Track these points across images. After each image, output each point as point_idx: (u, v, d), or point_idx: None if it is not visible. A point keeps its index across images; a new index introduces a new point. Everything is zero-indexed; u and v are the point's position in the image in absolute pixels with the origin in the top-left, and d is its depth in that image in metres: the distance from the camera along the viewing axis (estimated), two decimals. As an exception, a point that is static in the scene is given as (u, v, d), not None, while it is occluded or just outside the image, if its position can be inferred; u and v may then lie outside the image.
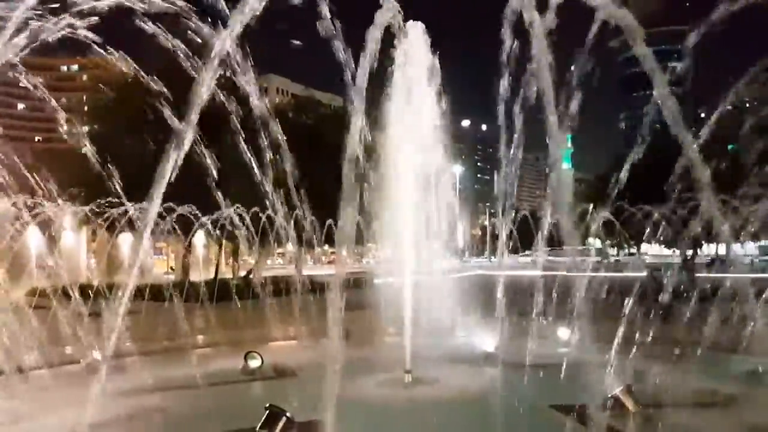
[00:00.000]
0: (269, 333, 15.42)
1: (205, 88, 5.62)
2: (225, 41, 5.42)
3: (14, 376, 9.88)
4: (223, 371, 10.39)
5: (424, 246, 12.49)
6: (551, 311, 13.93)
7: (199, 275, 39.46)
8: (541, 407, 7.53)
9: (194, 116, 4.91)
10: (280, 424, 6.14)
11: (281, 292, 24.14)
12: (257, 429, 6.31)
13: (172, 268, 59.19)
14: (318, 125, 40.41)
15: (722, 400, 8.00)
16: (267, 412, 6.38)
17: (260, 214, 16.14)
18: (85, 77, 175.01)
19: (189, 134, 4.93)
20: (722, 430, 6.60)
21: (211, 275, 36.76)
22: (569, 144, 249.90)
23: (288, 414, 6.31)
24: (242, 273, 39.76)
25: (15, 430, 7.21)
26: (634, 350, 10.54)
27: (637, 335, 12.00)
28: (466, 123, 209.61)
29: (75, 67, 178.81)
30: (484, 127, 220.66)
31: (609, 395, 7.31)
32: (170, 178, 5.49)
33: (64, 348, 12.05)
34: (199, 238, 41.15)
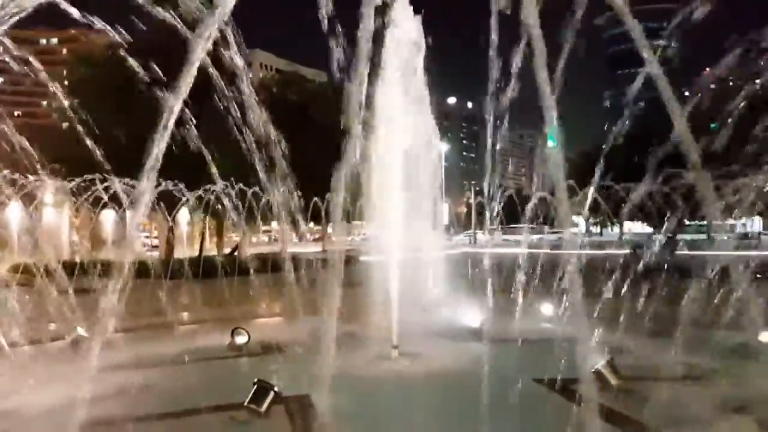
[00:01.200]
0: (255, 310, 15.48)
1: (194, 63, 5.56)
2: (217, 17, 5.34)
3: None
4: (210, 347, 10.43)
5: (410, 224, 12.54)
6: (535, 287, 14.13)
7: (184, 252, 39.35)
8: (524, 381, 7.64)
9: (184, 88, 4.84)
10: (269, 398, 6.19)
11: (267, 269, 24.17)
12: (246, 403, 6.35)
13: (154, 246, 58.90)
14: (304, 101, 40.13)
15: (708, 373, 8.19)
16: (255, 386, 6.43)
17: (246, 191, 16.07)
18: (65, 51, 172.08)
19: (177, 107, 4.87)
20: (701, 401, 6.74)
21: (196, 252, 36.62)
22: (554, 121, 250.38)
23: (276, 388, 6.36)
24: (227, 250, 39.63)
25: (4, 405, 7.19)
26: (616, 325, 10.75)
27: (618, 310, 12.22)
28: (451, 100, 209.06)
29: (54, 40, 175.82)
30: (470, 104, 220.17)
31: (591, 369, 7.43)
32: (157, 153, 5.42)
33: (48, 324, 12.00)
34: (182, 215, 40.89)
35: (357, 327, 10.88)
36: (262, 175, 10.49)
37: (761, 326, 9.70)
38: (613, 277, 13.44)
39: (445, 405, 7.06)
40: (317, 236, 72.15)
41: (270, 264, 24.38)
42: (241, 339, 9.99)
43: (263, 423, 6.19)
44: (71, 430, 6.15)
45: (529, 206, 15.88)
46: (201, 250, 36.00)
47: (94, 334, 11.17)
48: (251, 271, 19.90)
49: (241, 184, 16.03)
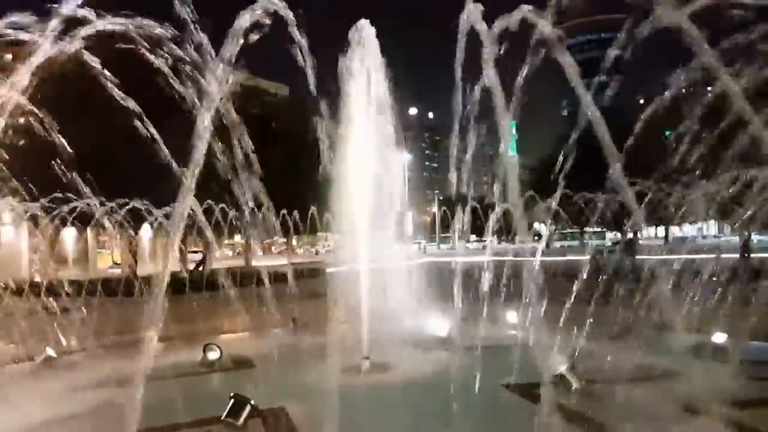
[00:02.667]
0: (225, 325, 15.50)
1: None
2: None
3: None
4: (182, 364, 10.46)
5: (375, 235, 12.79)
6: (500, 295, 14.49)
7: (146, 269, 38.79)
8: (492, 387, 7.95)
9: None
10: (245, 412, 6.35)
11: (233, 283, 24.04)
12: (223, 417, 6.50)
13: (116, 262, 57.83)
14: (265, 114, 40.10)
15: (662, 373, 8.61)
16: (232, 400, 6.58)
17: (212, 206, 16.10)
18: (9, 56, 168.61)
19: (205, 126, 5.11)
20: (656, 400, 7.13)
21: (158, 268, 36.14)
22: (513, 131, 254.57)
23: (252, 402, 6.52)
24: (191, 266, 39.24)
25: None
26: (577, 330, 11.16)
27: (580, 316, 12.65)
28: (413, 111, 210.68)
29: (9, 56, 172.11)
30: (431, 115, 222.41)
31: (554, 373, 7.79)
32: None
33: (15, 345, 11.85)
34: (144, 230, 40.31)
35: (327, 339, 11.06)
36: (231, 191, 10.60)
37: (714, 328, 10.29)
38: (573, 283, 13.89)
39: (417, 412, 7.31)
40: (282, 249, 71.77)
41: (236, 278, 24.32)
42: (213, 354, 10.07)
43: (242, 436, 6.34)
44: None
45: (493, 217, 16.27)
46: (164, 267, 35.58)
47: (64, 353, 11.19)
48: (220, 286, 19.85)
49: (210, 201, 16.04)
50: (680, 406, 6.98)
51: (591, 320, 11.51)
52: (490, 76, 4.65)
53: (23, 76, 5.28)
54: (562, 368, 7.72)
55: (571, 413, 6.67)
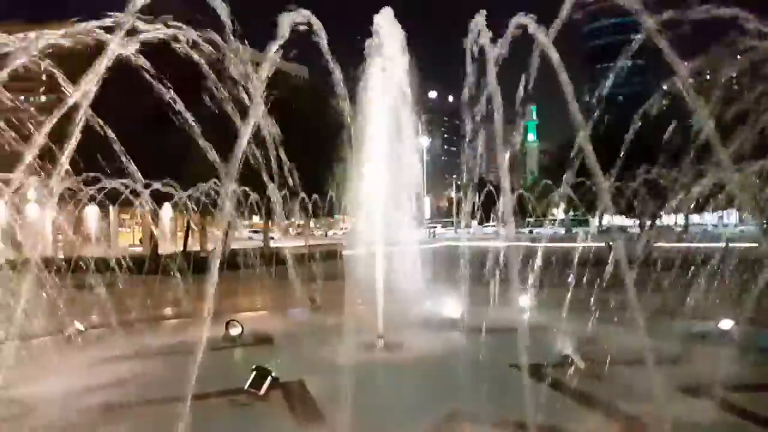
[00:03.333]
0: (245, 303, 15.99)
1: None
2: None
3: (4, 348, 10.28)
4: (206, 339, 10.96)
5: (393, 218, 13.13)
6: (513, 280, 14.78)
7: (166, 247, 39.55)
8: (501, 366, 8.30)
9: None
10: (267, 383, 6.77)
11: (253, 264, 24.58)
12: (246, 387, 6.94)
13: (140, 240, 58.93)
14: (287, 98, 40.42)
15: (665, 358, 8.90)
16: (254, 372, 7.01)
17: (236, 190, 16.46)
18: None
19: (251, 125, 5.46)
20: (656, 381, 7.42)
21: (178, 248, 36.85)
22: (534, 116, 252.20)
23: (273, 374, 6.95)
24: (210, 246, 39.91)
25: (13, 395, 7.66)
26: (587, 314, 11.48)
27: (590, 301, 12.94)
28: (432, 94, 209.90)
29: (32, 34, 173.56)
30: (450, 98, 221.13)
31: (561, 354, 8.15)
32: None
33: (44, 319, 12.38)
34: (165, 211, 41.03)
35: (344, 318, 11.49)
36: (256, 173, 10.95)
37: (722, 315, 10.54)
38: (586, 268, 14.19)
39: (426, 387, 7.70)
40: (299, 231, 72.31)
41: (255, 259, 24.84)
42: (235, 330, 10.55)
43: (263, 405, 6.77)
44: (87, 413, 6.71)
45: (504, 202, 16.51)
46: (185, 246, 36.33)
47: (91, 328, 11.70)
48: (240, 266, 20.35)
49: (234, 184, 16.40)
50: (678, 386, 7.30)
51: (601, 305, 11.83)
52: (492, 84, 4.97)
53: (93, 78, 5.61)
54: (568, 350, 8.05)
55: (572, 391, 7.02)
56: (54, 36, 6.22)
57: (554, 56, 5.75)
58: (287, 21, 6.36)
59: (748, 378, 8.03)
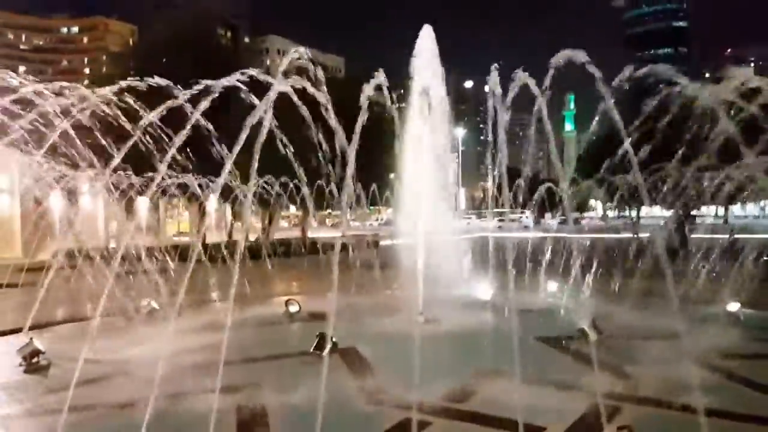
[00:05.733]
0: (295, 287, 17.50)
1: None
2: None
3: (89, 323, 11.85)
4: (268, 315, 12.50)
5: (431, 210, 14.41)
6: (544, 267, 16.03)
7: (211, 237, 41.56)
8: (527, 339, 9.58)
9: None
10: (329, 346, 8.18)
11: (298, 252, 26.22)
12: (312, 350, 8.40)
13: (182, 231, 61.39)
14: (326, 92, 41.81)
15: (671, 333, 10.03)
16: (318, 338, 8.47)
17: (289, 184, 17.87)
18: (85, 39, 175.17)
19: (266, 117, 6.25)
20: (661, 353, 8.62)
21: (222, 237, 38.78)
22: (572, 105, 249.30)
23: (334, 339, 8.37)
24: (252, 236, 41.74)
25: (114, 358, 9.16)
26: (608, 298, 12.66)
27: (614, 287, 14.10)
28: (468, 84, 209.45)
29: (75, 29, 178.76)
30: (486, 88, 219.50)
31: (577, 328, 9.41)
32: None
33: (120, 300, 13.84)
34: (210, 203, 42.91)
35: (387, 299, 12.87)
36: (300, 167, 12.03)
37: (732, 299, 11.62)
38: (614, 257, 15.30)
39: (459, 352, 9.02)
40: (336, 221, 73.98)
41: (300, 248, 26.51)
42: (293, 308, 12.07)
43: (326, 363, 8.16)
44: (177, 372, 8.16)
45: (536, 195, 17.67)
46: (230, 235, 38.22)
47: (166, 306, 13.23)
48: (291, 254, 21.90)
49: (285, 178, 17.71)
50: (679, 355, 8.46)
51: (623, 290, 12.96)
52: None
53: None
54: (584, 324, 9.28)
55: (584, 357, 8.25)
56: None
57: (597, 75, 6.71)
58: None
59: (743, 350, 9.18)
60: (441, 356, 8.78)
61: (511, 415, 6.04)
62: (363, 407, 6.72)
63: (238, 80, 6.94)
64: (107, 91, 8.18)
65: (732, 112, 7.63)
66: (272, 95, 5.94)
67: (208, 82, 6.81)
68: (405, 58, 14.80)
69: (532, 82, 7.20)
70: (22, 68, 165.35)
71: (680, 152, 15.78)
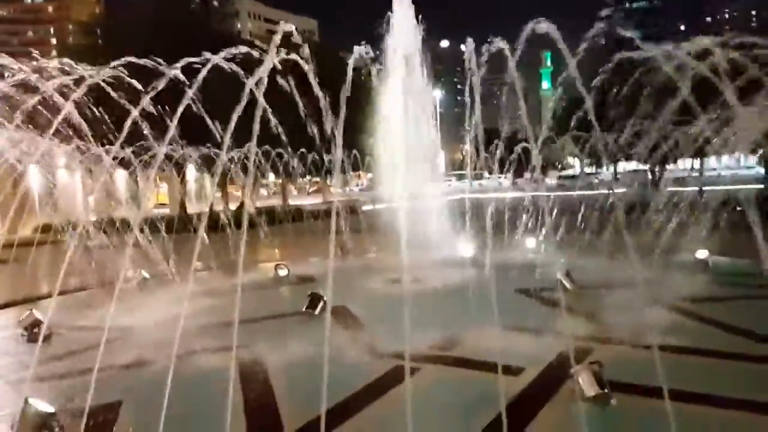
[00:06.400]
0: (281, 253, 17.90)
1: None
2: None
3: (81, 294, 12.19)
4: (258, 280, 12.93)
5: (410, 173, 14.83)
6: (523, 225, 16.59)
7: (191, 208, 41.68)
8: (508, 291, 10.14)
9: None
10: (321, 305, 8.64)
11: (274, 221, 26.51)
12: (304, 309, 8.87)
13: (161, 203, 61.15)
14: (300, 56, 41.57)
15: (642, 282, 10.64)
16: (310, 297, 8.93)
17: (271, 152, 18.07)
18: (50, 9, 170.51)
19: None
20: (632, 299, 9.21)
21: (203, 208, 38.91)
22: (548, 63, 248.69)
23: (325, 298, 8.83)
24: (232, 206, 41.91)
25: (116, 324, 9.49)
26: (584, 251, 13.25)
27: (588, 241, 14.70)
28: (444, 44, 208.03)
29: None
30: (463, 47, 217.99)
31: (555, 280, 9.97)
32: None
33: (110, 270, 14.04)
34: (189, 173, 42.87)
35: (371, 261, 13.33)
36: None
37: (699, 246, 12.26)
38: (588, 213, 15.91)
39: (444, 307, 9.53)
40: (315, 188, 74.22)
41: (284, 215, 26.81)
42: (282, 272, 12.52)
43: (318, 320, 8.63)
44: (177, 334, 8.54)
45: (512, 157, 18.13)
46: (211, 206, 38.35)
47: (157, 276, 13.57)
48: (274, 221, 22.18)
49: (267, 146, 17.88)
50: (649, 301, 9.07)
51: (596, 243, 13.57)
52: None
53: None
54: (560, 275, 9.84)
55: (560, 306, 8.82)
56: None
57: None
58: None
59: (710, 294, 9.84)
60: (426, 311, 9.25)
61: (493, 359, 6.57)
62: (356, 358, 7.21)
63: (224, 58, 7.08)
64: (109, 70, 8.23)
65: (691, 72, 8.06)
66: (263, 71, 6.16)
67: (194, 59, 6.98)
68: (381, 15, 14.91)
69: (506, 48, 7.47)
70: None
71: (646, 108, 16.29)
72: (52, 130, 8.13)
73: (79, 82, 8.98)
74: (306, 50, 7.83)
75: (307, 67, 7.97)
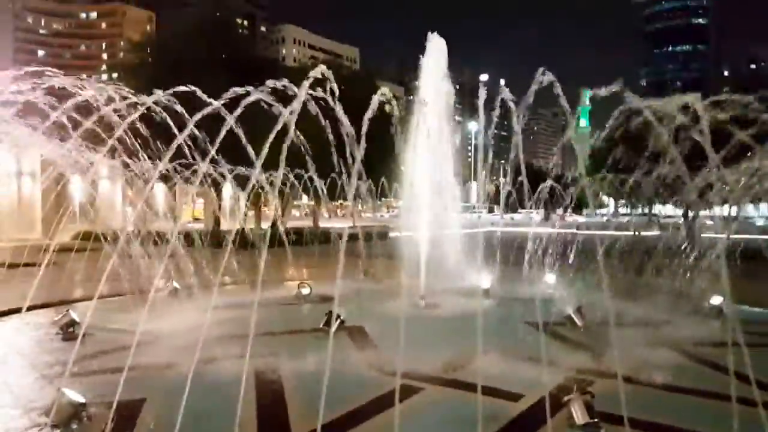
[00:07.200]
0: (306, 273, 18.42)
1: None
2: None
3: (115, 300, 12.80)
4: (282, 296, 13.47)
5: (437, 203, 15.27)
6: (545, 260, 16.85)
7: (225, 224, 42.69)
8: (518, 322, 10.46)
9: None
10: (337, 323, 9.08)
11: (311, 241, 27.16)
12: (321, 326, 9.34)
13: (195, 218, 62.59)
14: (339, 86, 42.67)
15: (653, 322, 10.86)
16: (327, 315, 9.39)
17: (303, 175, 18.67)
18: (104, 25, 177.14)
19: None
20: (640, 338, 9.46)
21: (236, 224, 39.83)
22: (587, 101, 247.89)
23: (342, 317, 9.29)
24: (264, 224, 42.81)
25: (148, 329, 10.03)
26: (601, 290, 13.42)
27: (608, 280, 14.83)
28: (484, 77, 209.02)
29: (94, 14, 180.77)
30: (502, 81, 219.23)
31: (564, 315, 10.27)
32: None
33: (143, 279, 14.66)
34: (225, 191, 43.96)
35: (392, 285, 13.76)
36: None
37: (714, 293, 12.40)
38: (612, 252, 16.12)
39: (454, 331, 9.88)
40: (345, 212, 75.12)
41: (312, 237, 27.45)
42: (305, 290, 13.04)
43: (334, 338, 9.04)
44: (203, 341, 9.05)
45: (539, 192, 18.45)
46: (244, 222, 39.30)
47: (187, 287, 14.16)
48: (303, 242, 22.73)
49: (299, 170, 18.46)
50: (656, 341, 9.31)
51: (616, 283, 13.74)
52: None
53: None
54: (570, 311, 10.14)
55: (567, 339, 9.14)
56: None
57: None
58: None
59: (717, 338, 10.01)
60: (437, 335, 9.69)
61: (494, 384, 6.95)
62: (364, 374, 7.64)
63: (263, 89, 7.68)
64: (160, 96, 8.90)
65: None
66: (296, 106, 6.74)
67: (238, 89, 7.58)
68: (419, 48, 15.46)
69: (556, 85, 7.81)
70: (41, 52, 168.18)
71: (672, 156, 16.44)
72: (106, 148, 8.75)
73: (128, 101, 9.75)
74: (334, 87, 8.35)
75: (335, 105, 8.52)
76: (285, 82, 8.05)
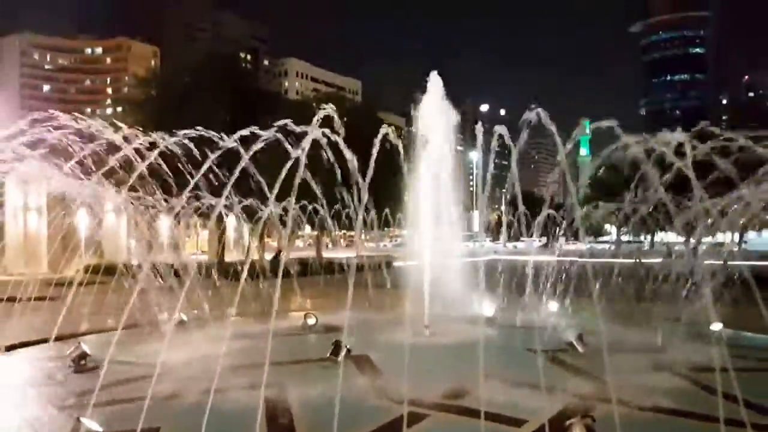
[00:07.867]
0: (311, 303, 18.61)
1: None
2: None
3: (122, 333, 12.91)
4: (287, 327, 13.67)
5: (441, 232, 15.52)
6: (547, 289, 17.03)
7: (230, 256, 43.00)
8: (519, 349, 10.66)
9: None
10: (343, 352, 9.29)
11: (307, 272, 27.39)
12: (328, 355, 9.54)
13: (202, 251, 62.83)
14: (342, 118, 43.38)
15: (652, 349, 11.03)
16: (333, 345, 9.60)
17: (307, 207, 19.00)
18: (108, 60, 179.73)
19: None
20: (640, 364, 9.64)
21: (240, 256, 40.16)
22: (587, 130, 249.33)
23: (348, 347, 9.49)
24: (268, 256, 43.05)
25: (157, 360, 10.23)
26: (602, 317, 13.61)
27: (609, 307, 15.09)
28: (484, 107, 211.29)
29: (99, 49, 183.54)
30: (502, 111, 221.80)
31: (566, 342, 10.47)
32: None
33: (152, 312, 14.81)
34: (229, 222, 44.32)
35: (396, 314, 13.98)
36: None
37: (715, 318, 12.55)
38: (612, 280, 16.34)
39: (458, 360, 10.07)
40: (351, 242, 75.44)
41: (316, 267, 27.70)
42: (311, 321, 13.25)
43: (339, 367, 9.25)
44: (211, 372, 9.26)
45: (538, 221, 18.70)
46: (248, 254, 39.55)
47: (194, 318, 14.36)
48: (307, 272, 22.96)
49: (304, 201, 18.82)
50: (656, 367, 9.49)
51: (617, 310, 13.95)
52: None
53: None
54: (572, 337, 10.34)
55: (568, 366, 9.32)
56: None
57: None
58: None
59: (715, 364, 10.15)
60: (441, 363, 9.89)
61: (498, 410, 7.15)
62: (370, 402, 7.84)
63: (271, 126, 8.07)
64: (176, 139, 9.30)
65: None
66: (306, 146, 7.11)
67: (252, 130, 7.95)
68: (419, 79, 15.73)
69: (548, 122, 8.25)
70: (46, 87, 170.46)
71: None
72: (127, 186, 9.07)
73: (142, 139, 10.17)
74: (339, 125, 8.71)
75: (340, 142, 8.89)
76: (289, 121, 8.47)
